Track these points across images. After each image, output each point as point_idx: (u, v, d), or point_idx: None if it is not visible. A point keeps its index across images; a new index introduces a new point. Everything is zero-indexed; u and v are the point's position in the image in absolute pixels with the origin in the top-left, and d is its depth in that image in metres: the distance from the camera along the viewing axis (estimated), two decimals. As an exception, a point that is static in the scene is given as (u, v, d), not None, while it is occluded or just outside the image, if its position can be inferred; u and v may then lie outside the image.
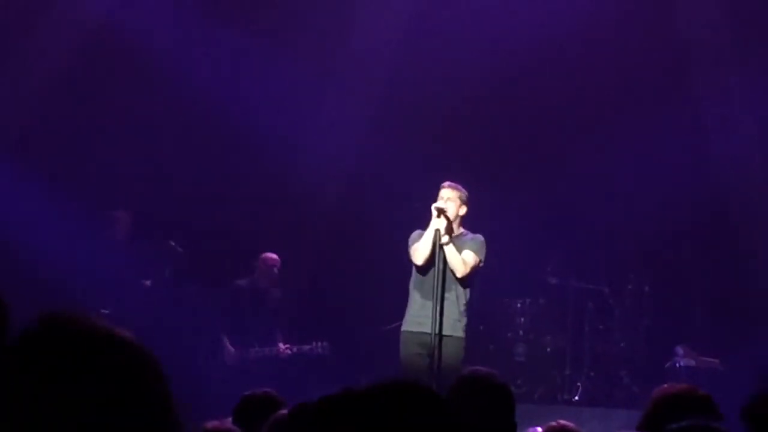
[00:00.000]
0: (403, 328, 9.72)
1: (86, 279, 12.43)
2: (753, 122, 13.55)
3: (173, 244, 12.68)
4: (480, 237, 9.69)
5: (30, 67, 13.34)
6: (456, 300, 9.49)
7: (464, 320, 9.60)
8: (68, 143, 13.29)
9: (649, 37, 13.69)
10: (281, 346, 12.29)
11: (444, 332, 9.23)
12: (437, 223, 9.36)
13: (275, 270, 12.57)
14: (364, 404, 2.13)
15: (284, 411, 4.59)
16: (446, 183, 9.70)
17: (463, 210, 9.64)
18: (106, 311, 12.27)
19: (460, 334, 9.54)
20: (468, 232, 9.72)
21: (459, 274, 9.45)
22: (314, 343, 12.29)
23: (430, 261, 9.43)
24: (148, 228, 12.91)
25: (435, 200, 9.55)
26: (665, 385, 4.72)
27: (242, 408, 5.18)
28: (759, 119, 13.48)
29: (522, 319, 13.02)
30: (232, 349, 12.33)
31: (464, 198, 9.65)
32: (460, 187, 9.69)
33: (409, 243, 9.68)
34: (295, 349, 12.29)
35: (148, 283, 12.69)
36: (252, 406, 5.09)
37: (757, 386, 4.06)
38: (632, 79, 13.80)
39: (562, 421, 5.36)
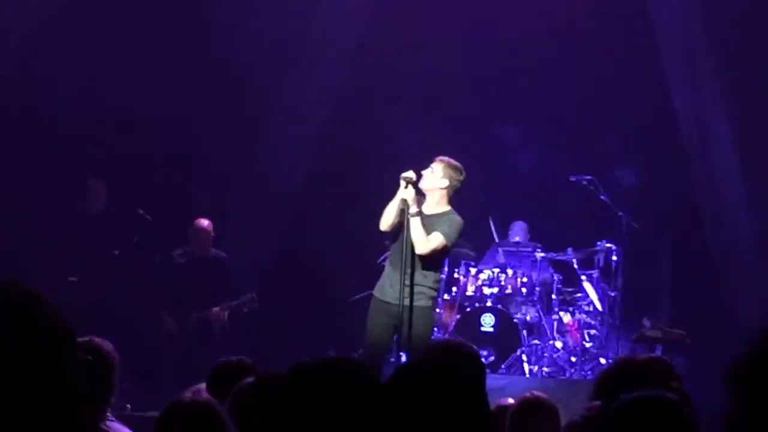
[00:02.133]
0: (374, 292, 9.68)
1: (56, 246, 12.41)
2: (722, 108, 13.62)
3: (141, 212, 12.64)
4: (458, 220, 9.49)
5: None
6: (422, 271, 9.38)
7: (432, 291, 9.50)
8: (42, 109, 13.17)
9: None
10: (214, 309, 12.19)
11: (409, 302, 9.19)
12: (404, 193, 9.26)
13: (209, 235, 12.42)
14: (315, 380, 2.14)
15: (250, 379, 4.59)
16: (440, 156, 9.58)
17: (443, 183, 9.47)
18: (74, 279, 12.24)
19: (426, 303, 9.42)
20: (452, 211, 9.54)
21: (418, 251, 9.27)
22: (243, 297, 12.26)
23: (395, 230, 9.38)
24: (120, 196, 12.87)
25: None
26: (624, 355, 4.74)
27: (216, 375, 5.19)
28: (727, 103, 13.55)
29: (491, 290, 13.02)
30: (169, 320, 12.26)
31: (450, 174, 9.49)
32: (453, 163, 9.54)
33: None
34: (227, 311, 12.21)
35: (116, 252, 12.65)
36: (225, 373, 5.09)
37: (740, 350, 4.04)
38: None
39: (536, 392, 5.40)
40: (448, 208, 9.55)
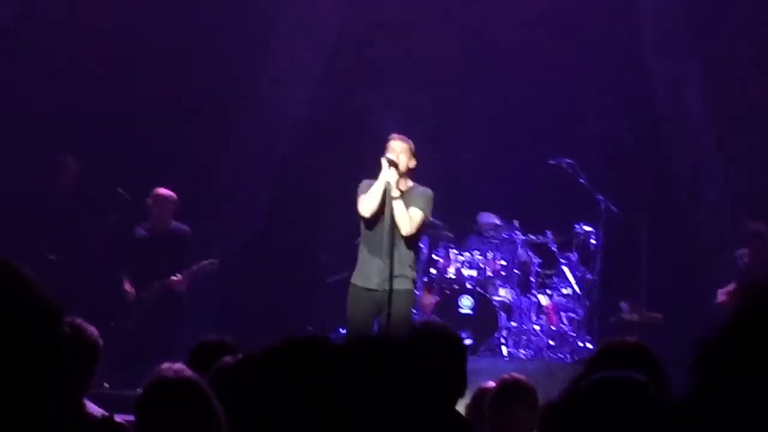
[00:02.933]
0: (352, 280, 9.65)
1: (32, 223, 12.35)
2: (698, 76, 13.67)
3: (121, 191, 12.59)
4: (428, 192, 9.57)
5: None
6: (403, 256, 9.41)
7: (412, 273, 9.57)
8: (16, 84, 13.10)
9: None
10: (173, 278, 11.96)
11: (393, 286, 9.21)
12: (388, 175, 9.27)
13: (170, 206, 12.13)
14: (306, 357, 2.13)
15: (229, 358, 4.59)
16: (395, 135, 9.56)
17: (413, 163, 9.50)
18: (53, 257, 12.22)
19: (408, 286, 9.49)
20: (417, 185, 9.60)
21: (404, 232, 9.33)
22: (202, 262, 12.08)
23: (378, 214, 9.35)
24: (101, 173, 12.81)
25: (383, 152, 9.43)
26: (610, 338, 4.75)
27: (196, 353, 5.18)
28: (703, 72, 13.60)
29: (469, 272, 13.04)
30: (129, 289, 12.08)
31: (413, 150, 9.52)
32: (408, 139, 9.56)
33: (358, 193, 9.53)
34: (186, 277, 12.00)
35: (93, 230, 12.60)
36: (206, 351, 5.08)
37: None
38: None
39: (515, 374, 5.42)
40: (411, 183, 9.57)
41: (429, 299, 12.45)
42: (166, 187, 12.15)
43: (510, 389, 5.31)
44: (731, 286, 11.87)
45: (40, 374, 1.90)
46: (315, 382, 2.08)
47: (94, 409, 4.85)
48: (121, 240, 12.39)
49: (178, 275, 11.96)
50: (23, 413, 1.86)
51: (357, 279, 9.58)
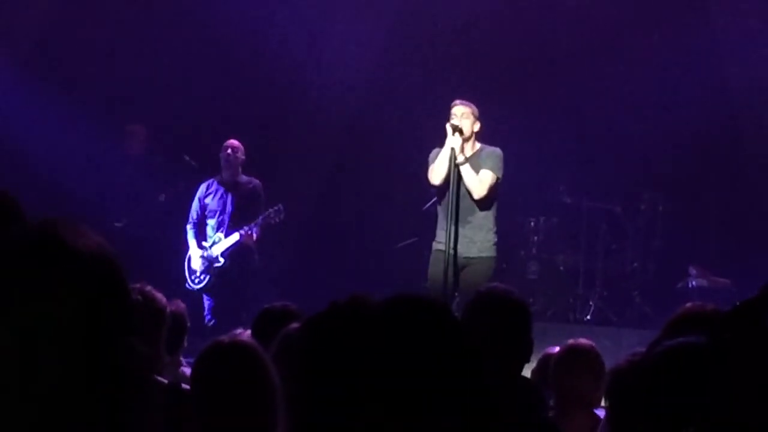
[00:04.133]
0: (433, 246, 9.59)
1: (100, 192, 12.46)
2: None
3: (188, 158, 12.65)
4: (497, 151, 9.48)
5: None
6: (481, 220, 9.37)
7: (493, 239, 9.46)
8: (85, 55, 13.22)
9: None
10: (240, 232, 11.53)
11: (470, 254, 9.22)
12: (452, 141, 9.21)
13: (237, 156, 11.73)
14: (373, 317, 2.12)
15: (295, 325, 4.58)
16: (457, 101, 9.48)
17: (477, 126, 9.42)
18: (120, 224, 12.32)
19: (489, 253, 9.43)
20: (485, 146, 9.53)
21: (476, 196, 9.29)
22: (268, 211, 11.57)
23: (447, 181, 9.29)
24: (164, 142, 12.90)
25: (448, 119, 9.36)
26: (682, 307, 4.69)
27: (260, 321, 5.18)
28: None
29: (535, 238, 13.02)
30: (198, 251, 11.73)
31: (476, 113, 9.43)
32: (470, 103, 9.47)
33: (429, 162, 9.51)
34: (254, 228, 11.55)
35: (162, 197, 12.66)
36: (269, 319, 5.07)
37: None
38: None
39: (581, 339, 5.39)
40: (479, 145, 9.51)
41: None
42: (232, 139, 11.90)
43: (575, 354, 5.29)
44: None
45: (110, 324, 1.90)
46: (356, 345, 2.08)
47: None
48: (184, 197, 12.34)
49: (244, 229, 11.55)
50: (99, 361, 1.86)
51: (435, 244, 9.52)
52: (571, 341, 5.38)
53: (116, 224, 12.28)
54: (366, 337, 2.08)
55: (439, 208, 9.58)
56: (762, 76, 13.40)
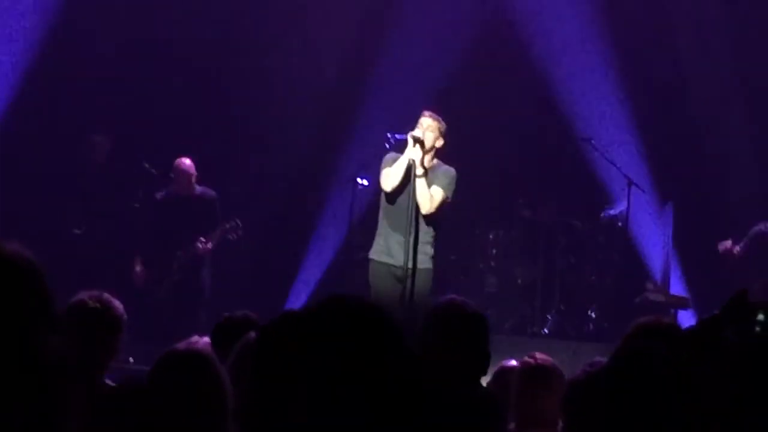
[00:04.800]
0: (371, 256, 9.53)
1: (60, 198, 12.41)
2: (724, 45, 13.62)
3: (147, 166, 12.61)
4: (452, 171, 9.40)
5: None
6: (423, 234, 9.28)
7: (431, 252, 9.38)
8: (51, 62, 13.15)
9: None
10: (198, 245, 11.73)
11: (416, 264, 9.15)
12: (412, 153, 9.13)
13: (190, 174, 11.88)
14: (320, 323, 2.13)
15: (252, 334, 4.58)
16: (427, 112, 9.39)
17: (440, 142, 9.32)
18: (78, 231, 12.27)
19: (428, 265, 9.34)
20: (441, 163, 9.44)
21: (424, 210, 9.20)
22: (225, 226, 11.77)
23: (400, 189, 9.23)
24: (125, 150, 12.84)
25: (413, 127, 9.28)
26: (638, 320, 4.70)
27: (220, 329, 5.19)
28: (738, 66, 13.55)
29: (494, 251, 13.03)
30: (138, 269, 11.86)
31: (443, 130, 9.34)
32: (439, 118, 9.37)
33: (382, 166, 9.39)
34: (212, 242, 11.76)
35: (136, 205, 12.58)
36: (229, 327, 5.09)
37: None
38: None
39: (539, 354, 5.31)
40: (436, 161, 9.42)
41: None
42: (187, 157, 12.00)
43: (537, 373, 5.16)
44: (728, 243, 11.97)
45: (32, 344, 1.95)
46: (304, 352, 2.09)
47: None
48: (138, 210, 12.35)
49: (202, 241, 11.73)
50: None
51: (376, 254, 9.48)
52: (531, 360, 5.26)
53: (75, 231, 12.24)
54: (313, 344, 2.10)
55: (382, 215, 9.52)
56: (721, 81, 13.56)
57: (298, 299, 12.84)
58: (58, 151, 12.67)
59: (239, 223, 11.82)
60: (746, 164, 13.26)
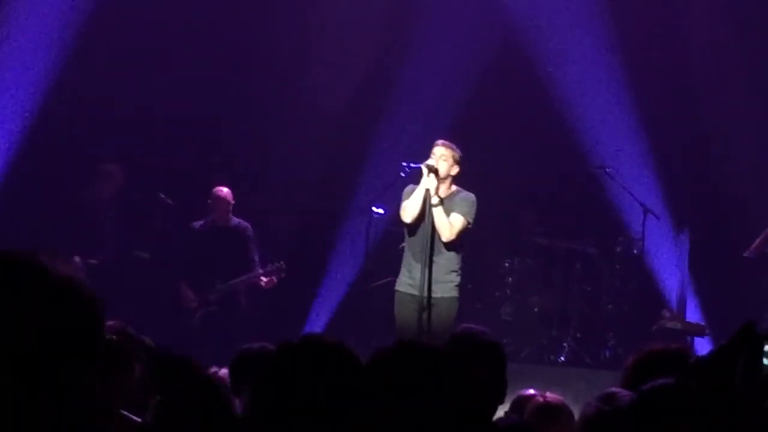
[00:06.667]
0: (396, 287, 9.56)
1: (74, 231, 12.40)
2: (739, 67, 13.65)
3: (163, 196, 12.63)
4: (471, 197, 9.45)
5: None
6: (446, 262, 9.33)
7: (456, 280, 9.42)
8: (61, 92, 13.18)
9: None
10: (261, 282, 11.81)
11: (434, 294, 9.12)
12: (427, 182, 9.16)
13: (228, 204, 11.95)
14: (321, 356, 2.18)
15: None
16: (440, 141, 9.45)
17: (455, 170, 9.37)
18: (94, 262, 12.27)
19: (452, 294, 9.38)
20: (460, 189, 9.48)
21: (444, 239, 9.25)
22: (270, 266, 11.88)
23: (419, 220, 9.27)
24: (139, 179, 12.86)
25: (428, 157, 9.31)
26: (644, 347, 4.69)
27: (237, 361, 5.20)
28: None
29: (510, 279, 13.03)
30: (187, 292, 11.88)
31: (457, 157, 9.37)
32: (453, 146, 9.42)
33: (402, 198, 9.48)
34: (268, 275, 11.82)
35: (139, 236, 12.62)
36: (246, 359, 5.10)
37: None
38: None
39: (549, 396, 5.26)
40: (455, 188, 9.47)
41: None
42: (220, 185, 12.07)
43: (544, 412, 5.14)
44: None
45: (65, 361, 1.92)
46: (298, 383, 2.14)
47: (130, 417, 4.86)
48: (171, 244, 12.35)
49: (264, 278, 11.83)
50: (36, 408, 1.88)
51: (401, 285, 9.50)
52: (539, 399, 5.23)
53: (90, 261, 12.24)
54: (309, 375, 2.15)
55: (406, 247, 9.57)
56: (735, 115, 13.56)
57: (314, 328, 12.84)
58: (72, 182, 12.69)
59: (284, 265, 11.91)
60: (763, 190, 13.22)
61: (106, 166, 12.74)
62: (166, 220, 12.62)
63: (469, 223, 9.43)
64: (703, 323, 12.73)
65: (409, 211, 9.35)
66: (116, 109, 13.18)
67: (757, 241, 12.14)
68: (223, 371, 4.86)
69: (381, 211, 11.05)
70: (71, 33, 13.06)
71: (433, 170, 9.20)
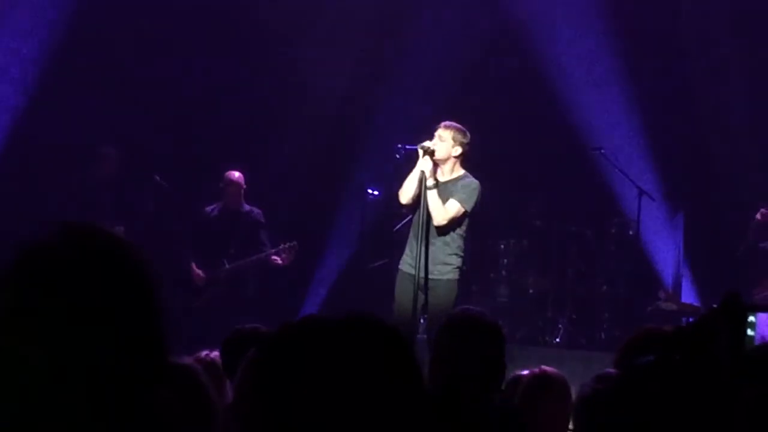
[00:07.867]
0: (399, 265, 9.48)
1: (70, 215, 12.37)
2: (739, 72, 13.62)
3: (158, 178, 12.61)
4: (473, 184, 9.31)
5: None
6: (443, 244, 9.25)
7: (456, 262, 9.32)
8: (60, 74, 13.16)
9: None
10: (273, 258, 11.79)
11: (432, 276, 9.10)
12: (423, 164, 9.07)
13: (240, 188, 12.04)
14: (322, 337, 2.07)
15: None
16: (445, 122, 9.33)
17: (457, 151, 9.24)
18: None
19: (450, 276, 9.29)
20: (467, 175, 9.36)
21: (436, 222, 9.15)
22: (284, 245, 11.84)
23: (416, 202, 9.21)
24: (135, 161, 12.84)
25: (425, 139, 9.22)
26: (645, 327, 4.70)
27: (229, 342, 5.16)
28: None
29: (505, 260, 13.01)
30: (199, 271, 11.93)
31: (460, 139, 9.25)
32: (459, 127, 9.31)
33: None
34: (282, 253, 11.81)
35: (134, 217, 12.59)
36: (238, 340, 5.07)
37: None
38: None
39: (546, 368, 5.28)
40: (462, 172, 9.36)
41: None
42: (232, 170, 12.09)
43: (540, 383, 5.17)
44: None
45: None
46: (301, 367, 2.03)
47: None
48: (188, 223, 12.37)
49: (276, 258, 11.80)
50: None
51: (403, 264, 9.43)
52: (536, 369, 5.24)
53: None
54: (312, 359, 2.04)
55: (411, 228, 9.50)
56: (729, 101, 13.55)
57: (310, 309, 12.83)
58: (68, 164, 12.67)
59: (296, 245, 11.89)
60: (758, 172, 13.22)
61: (101, 149, 12.72)
62: (160, 202, 12.57)
63: (466, 211, 9.29)
64: (698, 304, 12.74)
65: (405, 192, 9.29)
66: (114, 90, 13.14)
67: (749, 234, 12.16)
68: (215, 354, 4.84)
69: (376, 192, 11.03)
70: (68, 11, 13.03)
71: (428, 152, 9.10)
